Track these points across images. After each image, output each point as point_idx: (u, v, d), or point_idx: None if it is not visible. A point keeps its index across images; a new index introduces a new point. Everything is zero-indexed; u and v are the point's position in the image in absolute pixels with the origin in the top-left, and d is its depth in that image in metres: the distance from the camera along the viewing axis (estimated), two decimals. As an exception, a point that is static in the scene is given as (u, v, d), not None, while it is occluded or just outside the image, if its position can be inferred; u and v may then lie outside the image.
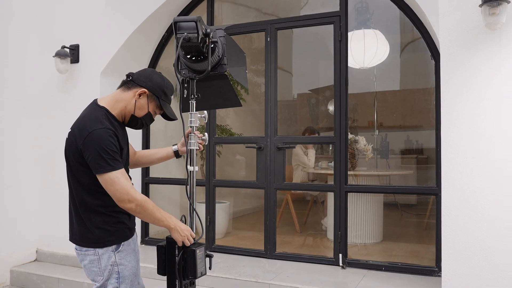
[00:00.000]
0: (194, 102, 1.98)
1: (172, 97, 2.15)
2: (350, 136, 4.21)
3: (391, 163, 6.76)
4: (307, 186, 5.41)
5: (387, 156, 6.61)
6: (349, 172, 4.04)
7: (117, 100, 2.03)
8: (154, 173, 4.87)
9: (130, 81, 2.05)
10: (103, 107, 1.99)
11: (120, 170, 1.87)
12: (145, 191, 4.82)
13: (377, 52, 5.13)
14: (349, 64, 4.02)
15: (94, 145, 1.85)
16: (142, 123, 2.10)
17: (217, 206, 4.64)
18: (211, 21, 4.61)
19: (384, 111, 7.38)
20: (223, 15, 5.24)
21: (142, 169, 4.77)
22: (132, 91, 2.03)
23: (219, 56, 1.92)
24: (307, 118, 8.23)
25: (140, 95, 2.02)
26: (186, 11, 4.68)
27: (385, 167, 6.33)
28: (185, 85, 1.98)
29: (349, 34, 4.09)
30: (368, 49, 5.08)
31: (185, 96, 1.98)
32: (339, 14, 4.00)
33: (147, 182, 4.83)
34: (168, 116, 2.11)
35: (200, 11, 4.65)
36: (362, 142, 4.78)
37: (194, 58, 1.90)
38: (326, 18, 4.09)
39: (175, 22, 1.81)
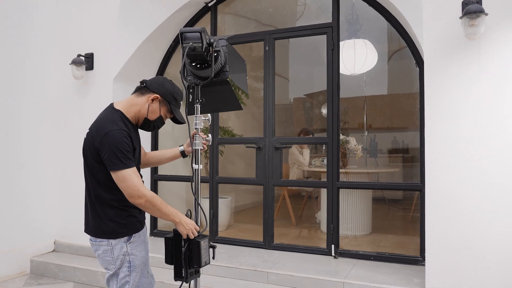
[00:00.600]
0: (199, 106, 1.98)
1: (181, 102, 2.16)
2: (341, 137, 4.22)
3: (379, 162, 6.77)
4: (302, 182, 5.42)
5: (375, 155, 6.63)
6: (340, 170, 4.05)
7: (131, 104, 2.04)
8: (162, 170, 4.87)
9: (144, 87, 2.06)
10: (118, 110, 2.00)
11: (132, 168, 1.88)
12: (154, 187, 4.82)
13: (366, 60, 5.13)
14: (340, 71, 4.03)
15: (109, 145, 1.86)
16: (154, 125, 2.11)
17: (220, 201, 4.64)
18: (214, 31, 4.61)
19: (373, 114, 7.38)
20: (225, 26, 5.24)
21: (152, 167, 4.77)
22: (146, 96, 2.04)
23: (221, 63, 1.93)
24: (302, 121, 8.23)
25: (153, 100, 2.04)
26: (192, 22, 4.68)
27: (374, 165, 6.34)
28: (191, 90, 1.99)
29: (341, 43, 4.09)
30: (358, 57, 5.09)
31: (190, 100, 1.99)
32: (332, 25, 4.01)
33: (156, 179, 4.83)
34: (178, 120, 2.11)
35: (204, 23, 4.65)
36: (352, 142, 4.78)
37: (199, 66, 1.90)
38: (319, 29, 4.09)
39: (182, 33, 1.81)
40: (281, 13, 5.71)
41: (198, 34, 1.78)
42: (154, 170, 4.83)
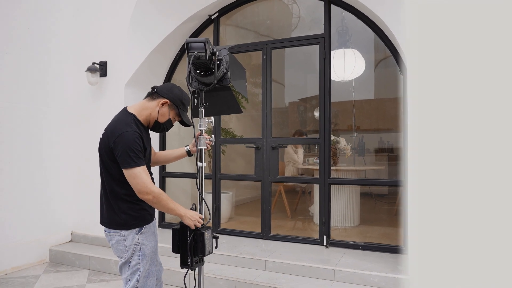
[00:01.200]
0: (203, 110, 1.99)
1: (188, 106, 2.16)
2: (332, 137, 4.23)
3: (366, 160, 6.79)
4: (296, 179, 5.42)
5: (363, 154, 6.64)
6: (331, 168, 4.06)
7: (143, 108, 2.05)
8: (170, 168, 4.87)
9: (154, 93, 2.07)
10: (131, 113, 2.01)
11: (142, 166, 1.88)
12: (162, 183, 4.82)
13: (355, 68, 5.14)
14: (331, 78, 4.03)
15: (123, 145, 1.87)
16: (164, 127, 2.11)
17: (222, 196, 4.64)
18: (217, 41, 4.62)
19: (361, 117, 7.40)
20: (227, 36, 5.24)
21: (160, 165, 4.77)
22: (156, 101, 2.05)
23: (223, 71, 1.93)
24: (296, 123, 8.24)
25: (162, 104, 2.04)
26: (196, 33, 4.69)
27: (362, 163, 6.36)
28: (195, 95, 1.99)
29: (332, 52, 4.10)
30: (348, 65, 5.10)
31: (195, 104, 1.99)
32: (324, 36, 4.02)
33: (164, 175, 4.83)
34: (185, 123, 2.12)
35: (208, 34, 4.66)
36: (342, 142, 4.79)
37: (203, 73, 1.91)
38: (312, 39, 4.10)
39: (187, 43, 1.82)
40: (277, 25, 5.72)
41: (202, 44, 1.79)
42: (162, 168, 4.83)
